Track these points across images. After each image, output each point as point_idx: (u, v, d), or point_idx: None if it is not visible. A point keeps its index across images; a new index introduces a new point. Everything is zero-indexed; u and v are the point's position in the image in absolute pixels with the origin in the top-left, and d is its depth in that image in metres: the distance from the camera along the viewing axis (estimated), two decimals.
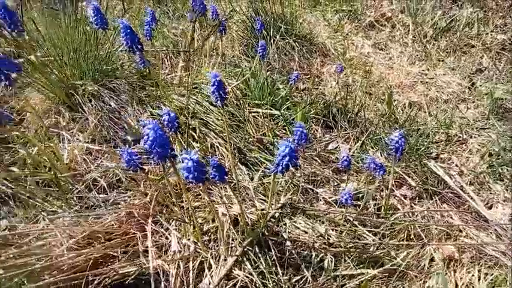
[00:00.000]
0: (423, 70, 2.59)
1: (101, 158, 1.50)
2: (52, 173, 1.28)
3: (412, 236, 1.28)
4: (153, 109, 1.70)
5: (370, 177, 1.58)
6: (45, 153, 1.27)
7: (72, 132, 1.54)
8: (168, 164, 0.87)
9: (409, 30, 2.98)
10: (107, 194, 1.36)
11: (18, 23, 1.33)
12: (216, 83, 1.06)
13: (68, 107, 1.68)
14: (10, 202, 1.37)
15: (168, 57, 2.30)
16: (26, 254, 0.92)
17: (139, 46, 1.23)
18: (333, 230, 1.21)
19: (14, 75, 1.13)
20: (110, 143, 1.57)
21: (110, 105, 1.70)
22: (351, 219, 1.26)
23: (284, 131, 1.81)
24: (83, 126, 1.61)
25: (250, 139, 1.69)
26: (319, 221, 1.24)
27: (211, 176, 0.84)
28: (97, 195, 1.33)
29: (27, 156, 1.27)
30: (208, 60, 2.10)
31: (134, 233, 1.11)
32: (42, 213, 1.14)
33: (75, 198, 1.31)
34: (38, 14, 2.23)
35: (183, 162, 0.71)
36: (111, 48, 1.79)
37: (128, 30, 1.18)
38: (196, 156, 0.71)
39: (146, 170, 1.20)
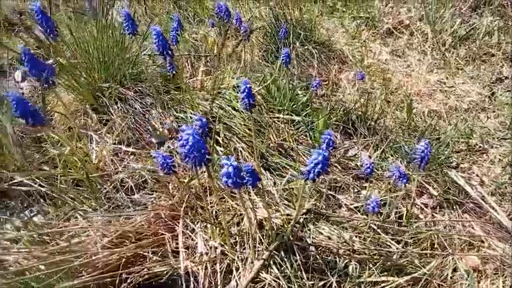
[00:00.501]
0: (442, 78, 2.59)
1: (127, 159, 1.54)
2: (83, 172, 1.32)
3: (435, 245, 1.28)
4: (177, 112, 1.74)
5: (391, 185, 1.59)
6: (77, 154, 1.32)
7: (101, 134, 1.59)
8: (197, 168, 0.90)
9: (427, 38, 2.97)
10: (134, 195, 1.40)
11: (53, 27, 1.38)
12: (246, 90, 1.09)
13: (95, 109, 1.74)
14: (41, 200, 1.42)
15: (188, 62, 2.34)
16: (64, 251, 0.96)
17: (169, 52, 1.27)
18: (356, 236, 1.22)
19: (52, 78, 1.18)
20: (136, 145, 1.61)
21: (135, 108, 1.75)
22: (374, 227, 1.27)
23: (304, 137, 1.83)
24: (110, 127, 1.66)
25: (271, 144, 1.72)
26: (342, 227, 1.25)
27: (244, 181, 0.86)
28: (124, 196, 1.37)
29: (59, 156, 1.32)
30: (229, 65, 2.13)
31: (163, 234, 1.14)
32: (77, 212, 1.18)
33: (103, 198, 1.35)
34: (65, 18, 2.31)
35: (223, 167, 0.74)
36: (138, 52, 1.84)
37: (161, 37, 1.22)
38: (236, 163, 0.73)
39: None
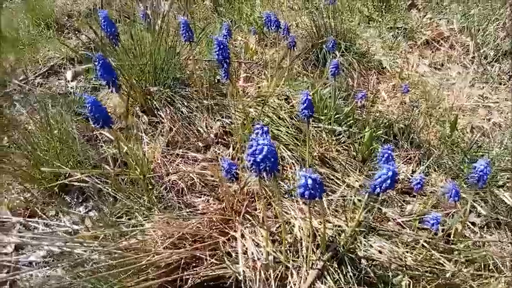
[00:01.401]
0: (484, 93, 2.52)
1: (176, 161, 1.59)
2: (139, 172, 1.37)
3: (487, 266, 1.26)
4: (223, 118, 1.78)
5: (435, 201, 1.57)
6: (134, 154, 1.38)
7: (154, 135, 1.65)
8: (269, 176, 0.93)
9: (468, 51, 2.91)
10: (183, 197, 1.44)
11: (116, 33, 1.45)
12: (306, 102, 1.11)
13: (144, 111, 1.80)
14: (96, 197, 1.49)
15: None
16: (127, 248, 1.01)
17: (227, 60, 1.31)
18: (407, 252, 1.21)
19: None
20: (184, 148, 1.66)
21: (182, 112, 1.80)
22: (424, 243, 1.25)
23: (346, 148, 1.83)
24: (159, 130, 1.72)
25: (313, 153, 1.73)
26: (392, 241, 1.24)
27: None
28: (175, 197, 1.42)
29: (120, 156, 1.38)
30: (270, 72, 2.16)
31: (216, 237, 1.17)
32: (136, 211, 1.23)
33: (154, 198, 1.40)
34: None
35: (301, 179, 0.76)
36: (188, 58, 1.90)
37: (222, 46, 1.26)
38: (315, 175, 0.75)
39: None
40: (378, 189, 0.88)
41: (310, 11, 3.49)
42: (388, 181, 0.85)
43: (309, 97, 1.10)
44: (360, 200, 1.39)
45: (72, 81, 2.31)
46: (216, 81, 2.05)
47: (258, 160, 0.85)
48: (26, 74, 2.30)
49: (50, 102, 2.04)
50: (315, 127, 1.87)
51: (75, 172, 1.36)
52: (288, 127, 1.77)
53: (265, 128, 1.07)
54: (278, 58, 2.38)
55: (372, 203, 1.45)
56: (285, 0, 3.80)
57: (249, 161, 0.92)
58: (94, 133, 1.80)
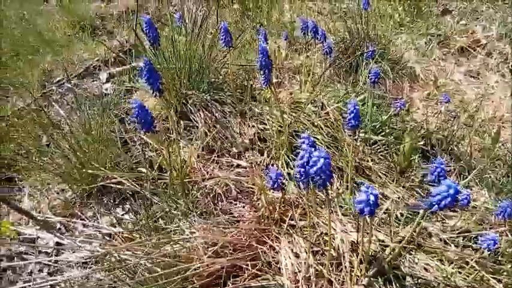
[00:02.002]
0: None
1: (211, 166, 1.58)
2: (175, 176, 1.38)
3: None
4: (257, 123, 1.76)
5: (479, 217, 1.50)
6: (171, 158, 1.38)
7: (189, 140, 1.65)
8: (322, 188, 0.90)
9: (506, 59, 2.79)
10: (219, 203, 1.43)
11: (157, 37, 1.46)
12: (354, 112, 1.08)
13: (180, 115, 1.81)
14: (131, 199, 1.50)
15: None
16: (170, 255, 1.00)
17: (270, 67, 1.29)
18: (455, 271, 1.15)
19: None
20: (218, 153, 1.65)
21: (216, 116, 1.80)
22: (472, 262, 1.19)
23: (382, 158, 1.78)
24: (194, 134, 1.72)
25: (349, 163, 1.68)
26: (438, 259, 1.19)
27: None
28: (211, 203, 1.41)
29: (159, 160, 1.38)
30: (304, 78, 2.13)
31: (256, 246, 1.15)
32: (178, 217, 1.23)
33: (191, 204, 1.40)
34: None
35: (362, 195, 0.73)
36: (224, 63, 1.90)
37: (265, 53, 1.25)
38: (376, 191, 0.72)
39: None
40: (436, 207, 0.83)
41: (340, 15, 3.45)
42: (449, 199, 0.81)
43: (357, 107, 1.07)
44: (402, 214, 1.34)
45: (106, 82, 2.36)
46: (250, 86, 2.04)
47: (312, 172, 0.82)
48: (63, 75, 2.36)
49: (87, 104, 2.09)
50: (349, 135, 1.82)
51: (115, 175, 1.37)
52: (323, 135, 1.74)
53: (311, 139, 1.05)
54: (311, 64, 2.36)
55: (413, 217, 1.40)
56: (314, 5, 3.78)
57: (300, 172, 0.89)
58: (129, 135, 1.82)
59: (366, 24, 2.55)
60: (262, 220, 1.33)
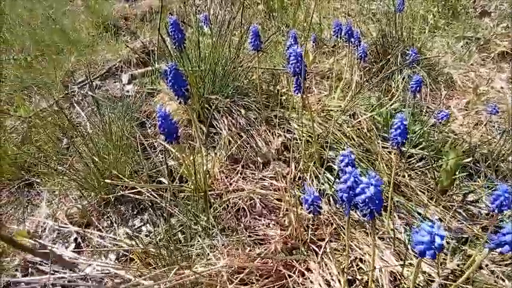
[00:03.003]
0: None
1: (234, 177, 1.49)
2: (196, 187, 1.29)
3: None
4: (284, 132, 1.65)
5: None
6: (193, 168, 1.29)
7: (214, 148, 1.56)
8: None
9: None
10: (242, 218, 1.34)
11: (183, 40, 1.38)
12: (401, 127, 0.95)
13: (202, 121, 1.73)
14: (150, 209, 1.43)
15: (285, 76, 2.26)
16: (190, 283, 0.91)
17: (304, 74, 1.18)
18: None
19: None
20: (242, 162, 1.55)
21: (240, 123, 1.70)
22: None
23: (418, 173, 1.63)
24: (217, 142, 1.63)
25: (383, 178, 1.55)
26: None
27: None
28: (234, 218, 1.31)
29: (180, 169, 1.30)
30: (333, 83, 2.01)
31: (284, 272, 1.04)
32: (196, 233, 1.14)
33: (213, 219, 1.31)
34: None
35: (425, 235, 0.60)
36: (249, 67, 1.80)
37: (298, 58, 1.14)
38: (443, 232, 0.60)
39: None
40: (507, 248, 0.70)
41: (368, 17, 3.29)
42: None
43: (405, 123, 0.94)
44: (448, 243, 1.20)
45: (128, 84, 2.31)
46: (276, 91, 1.93)
47: (358, 200, 0.70)
48: (86, 76, 2.33)
49: (108, 106, 2.04)
50: (383, 147, 1.69)
51: (135, 185, 1.29)
52: (354, 146, 1.61)
53: (352, 156, 0.93)
54: (340, 68, 2.23)
55: (456, 244, 1.26)
56: (340, 6, 3.63)
57: (342, 198, 0.78)
58: (149, 140, 1.75)
59: (399, 26, 2.39)
60: (290, 239, 1.22)
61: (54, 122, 1.79)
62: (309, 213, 0.89)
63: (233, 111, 1.73)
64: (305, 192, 0.87)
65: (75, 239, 1.31)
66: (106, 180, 1.19)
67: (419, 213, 1.44)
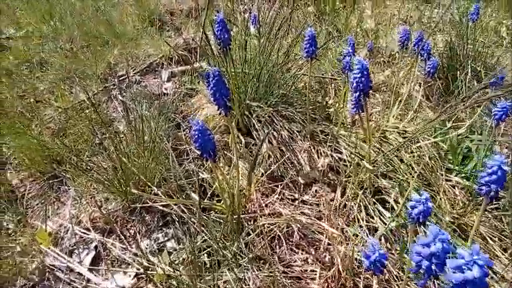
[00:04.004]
0: None
1: (271, 198, 1.33)
2: (229, 205, 1.14)
3: None
4: (331, 151, 1.46)
5: None
6: (227, 183, 1.15)
7: (250, 161, 1.41)
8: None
9: None
10: (277, 247, 1.17)
11: (229, 40, 1.24)
12: (499, 172, 0.74)
13: (240, 129, 1.59)
14: (176, 223, 1.31)
15: (332, 86, 2.06)
16: None
17: (367, 91, 0.99)
18: None
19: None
20: (282, 181, 1.39)
21: (282, 136, 1.54)
22: None
23: (487, 216, 1.37)
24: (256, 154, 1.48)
25: (446, 217, 1.31)
26: None
27: None
28: (268, 247, 1.15)
29: (214, 185, 1.16)
30: (389, 98, 1.78)
31: None
32: (224, 261, 0.99)
33: (242, 241, 1.15)
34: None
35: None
36: (296, 74, 1.63)
37: (365, 73, 0.95)
38: None
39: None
40: None
41: (429, 26, 2.98)
42: None
43: (505, 169, 0.73)
44: None
45: (167, 81, 2.23)
46: (325, 103, 1.75)
47: (453, 280, 0.51)
48: (126, 70, 2.29)
49: (145, 103, 1.97)
50: (446, 180, 1.44)
51: (161, 199, 1.18)
52: (412, 176, 1.38)
53: (429, 204, 0.73)
54: (396, 81, 1.99)
55: None
56: (397, 12, 3.34)
57: (419, 265, 0.59)
58: (183, 145, 1.64)
59: (470, 38, 2.10)
60: (332, 282, 1.04)
61: (89, 116, 1.73)
62: (368, 270, 0.70)
63: (275, 121, 1.57)
64: (367, 248, 0.68)
65: (96, 247, 1.22)
66: (132, 190, 1.08)
67: (490, 268, 1.19)
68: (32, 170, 1.54)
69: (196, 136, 0.82)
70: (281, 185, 1.38)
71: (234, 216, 1.14)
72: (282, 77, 1.60)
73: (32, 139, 1.52)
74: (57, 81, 2.17)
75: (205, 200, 1.24)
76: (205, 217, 1.20)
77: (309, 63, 1.29)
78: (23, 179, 1.55)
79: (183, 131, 1.80)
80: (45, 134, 1.68)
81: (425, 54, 1.40)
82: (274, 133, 1.54)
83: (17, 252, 1.20)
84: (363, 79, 0.95)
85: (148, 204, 1.24)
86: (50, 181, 1.53)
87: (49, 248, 1.17)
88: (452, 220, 1.31)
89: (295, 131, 1.57)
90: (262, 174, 1.39)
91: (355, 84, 0.97)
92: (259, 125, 1.54)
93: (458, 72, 1.95)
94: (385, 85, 2.07)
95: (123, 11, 3.13)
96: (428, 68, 1.40)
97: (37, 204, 1.45)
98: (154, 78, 2.29)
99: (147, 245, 1.23)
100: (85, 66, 2.26)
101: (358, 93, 0.99)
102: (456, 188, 1.46)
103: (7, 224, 1.32)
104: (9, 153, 1.62)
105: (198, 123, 0.82)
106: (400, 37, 1.44)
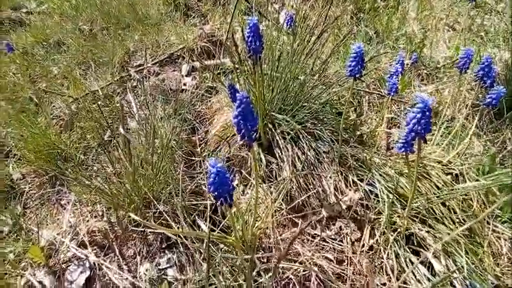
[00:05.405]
0: None
1: (289, 231, 1.17)
2: (240, 238, 1.00)
3: None
4: (361, 181, 1.29)
5: None
6: (239, 222, 1.00)
7: (271, 185, 1.26)
8: None
9: None
10: None
11: (261, 51, 1.07)
12: None
13: (261, 145, 1.42)
14: (180, 247, 1.17)
15: (367, 99, 1.85)
16: None
17: (430, 129, 0.80)
18: None
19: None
20: (302, 211, 1.23)
21: (307, 156, 1.37)
22: None
23: None
24: (275, 175, 1.32)
25: (487, 276, 1.13)
26: None
27: None
28: None
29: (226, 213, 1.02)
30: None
31: None
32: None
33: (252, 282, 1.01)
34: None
35: None
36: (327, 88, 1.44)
37: (428, 113, 0.76)
38: None
39: None
40: None
41: (479, 35, 2.68)
42: None
43: None
44: None
45: (187, 76, 2.07)
46: (359, 122, 1.56)
47: None
48: (145, 59, 2.14)
49: (161, 99, 1.83)
50: (493, 231, 1.25)
51: (162, 229, 1.04)
52: (454, 223, 1.19)
53: None
54: (443, 101, 1.77)
55: None
56: (445, 16, 3.03)
57: None
58: (198, 152, 1.50)
59: None
60: None
61: (100, 109, 1.60)
62: None
63: (301, 139, 1.40)
64: None
65: (90, 267, 1.11)
66: (131, 215, 0.95)
67: None
68: (35, 166, 1.43)
69: (212, 180, 0.67)
70: (302, 216, 1.22)
71: (246, 255, 0.99)
72: (315, 87, 1.41)
73: (37, 132, 1.41)
74: (72, 65, 2.05)
75: (216, 229, 1.10)
76: (213, 248, 1.07)
77: (352, 83, 1.09)
78: (25, 174, 1.45)
79: (198, 135, 1.66)
80: (52, 127, 1.56)
81: (489, 81, 1.18)
82: (299, 152, 1.37)
83: (9, 262, 1.10)
84: (422, 121, 0.76)
85: (149, 229, 1.11)
86: (53, 180, 1.42)
87: (40, 264, 1.06)
88: (496, 282, 1.12)
89: (323, 152, 1.39)
90: (281, 201, 1.23)
91: (411, 125, 0.79)
92: (282, 141, 1.37)
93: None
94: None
95: None
96: (490, 98, 1.18)
97: (36, 205, 1.35)
98: (174, 71, 2.14)
99: (147, 270, 1.11)
100: (103, 51, 2.13)
101: (413, 135, 0.80)
102: (502, 238, 1.26)
103: (2, 227, 1.23)
104: (13, 144, 1.52)
105: (215, 165, 0.67)
106: (461, 58, 1.22)
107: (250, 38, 1.02)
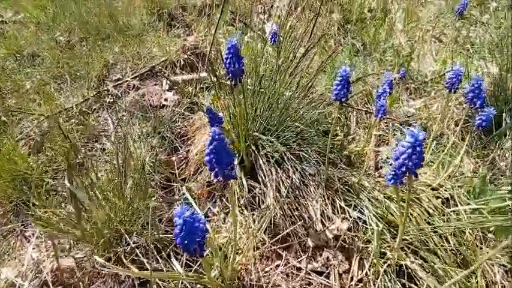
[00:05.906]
0: None
1: (271, 265, 1.09)
2: (219, 276, 0.91)
3: None
4: (349, 207, 1.22)
5: None
6: (218, 248, 0.91)
7: (253, 214, 1.17)
8: None
9: None
10: None
11: (241, 74, 0.99)
12: None
13: (244, 168, 1.34)
14: (155, 285, 1.08)
15: (354, 116, 1.79)
16: None
17: (421, 165, 0.73)
18: None
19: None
20: (285, 242, 1.15)
21: (292, 180, 1.30)
22: None
23: None
24: (257, 201, 1.24)
25: None
26: None
27: None
28: None
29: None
30: None
31: None
32: None
33: None
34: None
35: None
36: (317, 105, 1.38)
37: (418, 149, 0.70)
38: None
39: None
40: None
41: (465, 48, 2.67)
42: None
43: None
44: None
45: (168, 90, 1.99)
46: (346, 142, 1.50)
47: None
48: (125, 72, 2.05)
49: (140, 115, 1.73)
50: (489, 260, 1.19)
51: (130, 272, 0.95)
52: (447, 252, 1.13)
53: None
54: (427, 116, 1.73)
55: None
56: (431, 28, 3.02)
57: None
58: (175, 184, 1.41)
59: None
60: None
61: (73, 128, 1.50)
62: None
63: (286, 161, 1.32)
64: None
65: None
66: (97, 259, 0.85)
67: None
68: None
69: (179, 233, 0.58)
70: (285, 247, 1.14)
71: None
72: (300, 111, 1.35)
73: (1, 158, 1.30)
74: (46, 79, 1.94)
75: (194, 265, 1.01)
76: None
77: (337, 107, 1.03)
78: None
79: (178, 155, 1.57)
80: (20, 148, 1.45)
81: (479, 102, 1.14)
82: (283, 176, 1.29)
83: None
84: (413, 157, 0.70)
85: (115, 271, 1.01)
86: (17, 208, 1.31)
87: None
88: None
89: (309, 175, 1.32)
90: (263, 230, 1.15)
91: (401, 161, 0.72)
92: (266, 166, 1.29)
93: (504, 113, 1.67)
94: (415, 120, 1.80)
95: (132, 1, 2.87)
96: (480, 120, 1.14)
97: None
98: (155, 85, 2.05)
99: None
100: (80, 63, 2.03)
101: (403, 169, 0.74)
102: (495, 265, 1.21)
103: None
104: None
105: (182, 214, 0.58)
106: (450, 78, 1.17)
107: (228, 60, 0.95)
